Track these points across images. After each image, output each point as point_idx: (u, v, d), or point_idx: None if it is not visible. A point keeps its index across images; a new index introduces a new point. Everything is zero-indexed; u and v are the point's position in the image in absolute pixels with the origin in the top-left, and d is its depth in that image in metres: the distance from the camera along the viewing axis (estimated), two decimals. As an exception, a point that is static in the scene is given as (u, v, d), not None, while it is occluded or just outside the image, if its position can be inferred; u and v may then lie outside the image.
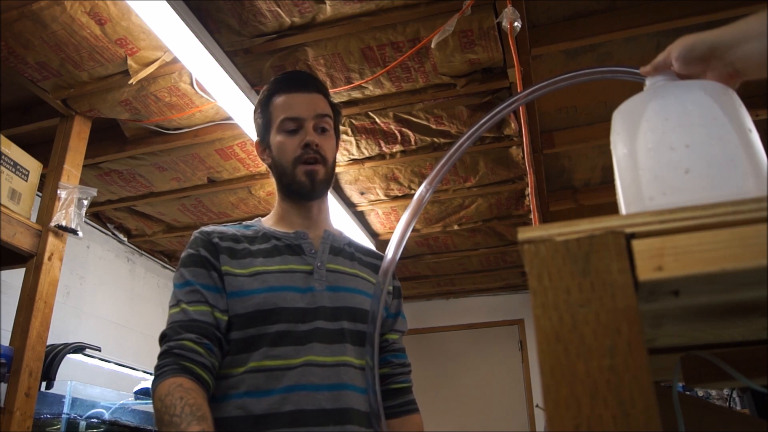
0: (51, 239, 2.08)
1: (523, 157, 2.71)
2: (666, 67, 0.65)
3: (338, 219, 3.12)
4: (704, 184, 0.52)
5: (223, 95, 2.13)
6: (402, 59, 2.07)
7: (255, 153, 2.66)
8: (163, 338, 1.02)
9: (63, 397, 2.24)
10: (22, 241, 2.00)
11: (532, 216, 3.02)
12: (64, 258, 2.14)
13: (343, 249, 1.20)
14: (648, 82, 0.66)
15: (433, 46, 1.96)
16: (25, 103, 2.38)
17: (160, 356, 1.00)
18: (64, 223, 2.09)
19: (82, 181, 2.38)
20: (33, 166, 2.07)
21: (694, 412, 0.70)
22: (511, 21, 1.72)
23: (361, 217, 3.39)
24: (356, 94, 2.32)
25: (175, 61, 2.03)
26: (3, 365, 1.84)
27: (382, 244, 3.52)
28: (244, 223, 1.21)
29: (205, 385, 0.98)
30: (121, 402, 2.45)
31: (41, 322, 1.98)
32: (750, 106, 0.63)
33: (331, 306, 1.08)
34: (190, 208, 3.22)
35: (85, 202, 2.18)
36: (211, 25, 1.95)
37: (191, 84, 2.18)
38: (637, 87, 0.68)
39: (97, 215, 3.28)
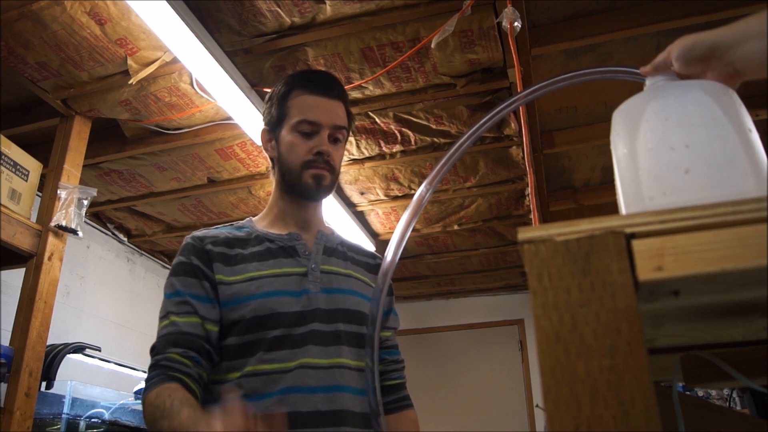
0: (51, 239, 2.08)
1: (523, 157, 2.71)
2: (666, 67, 0.65)
3: (338, 219, 3.12)
4: (704, 184, 0.52)
5: (223, 95, 2.13)
6: (402, 59, 2.07)
7: (255, 153, 2.66)
8: (153, 351, 1.03)
9: (63, 397, 2.24)
10: (22, 241, 2.00)
11: (532, 216, 3.02)
12: (64, 258, 2.14)
13: (336, 249, 1.19)
14: (648, 82, 0.66)
15: (433, 46, 1.96)
16: (25, 103, 2.38)
17: (149, 369, 1.02)
18: (64, 223, 2.09)
19: (82, 181, 2.38)
20: (33, 166, 2.07)
21: (694, 412, 0.70)
22: (511, 21, 1.72)
23: (361, 217, 3.39)
24: (356, 94, 2.32)
25: (175, 61, 2.03)
26: (3, 365, 1.84)
27: (382, 244, 3.52)
28: (235, 224, 1.20)
29: (193, 392, 0.99)
30: (121, 402, 2.45)
31: (41, 322, 1.98)
32: (750, 106, 0.63)
33: (326, 308, 1.08)
34: (190, 208, 3.22)
35: (85, 202, 2.18)
36: (211, 25, 1.95)
37: (191, 84, 2.18)
38: (637, 87, 0.68)
39: (97, 215, 3.28)
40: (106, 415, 2.33)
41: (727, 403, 1.87)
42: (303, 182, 1.14)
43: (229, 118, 2.35)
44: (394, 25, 1.99)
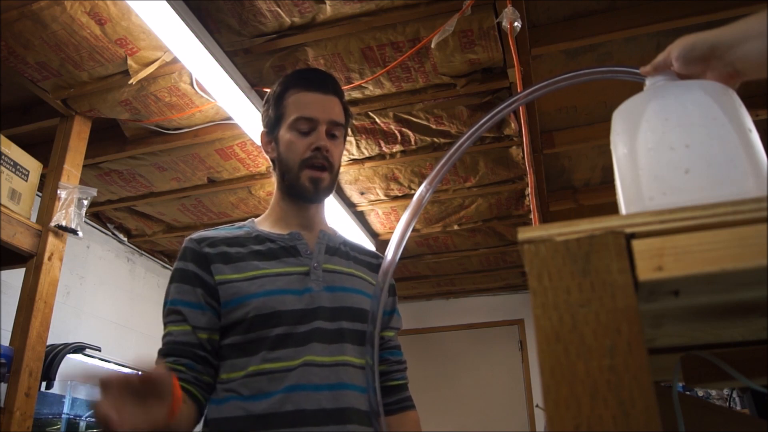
0: (51, 239, 2.08)
1: (523, 157, 2.71)
2: (666, 67, 0.65)
3: (338, 219, 3.12)
4: (704, 184, 0.52)
5: (223, 95, 2.13)
6: (402, 59, 2.07)
7: (255, 153, 2.66)
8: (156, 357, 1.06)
9: (63, 397, 2.24)
10: (22, 241, 2.00)
11: (532, 216, 3.02)
12: (64, 258, 2.14)
13: (339, 248, 1.19)
14: (648, 82, 0.66)
15: (433, 46, 1.96)
16: (25, 103, 2.38)
17: None
18: (64, 223, 2.09)
19: (82, 181, 2.38)
20: (33, 166, 2.07)
21: (694, 412, 0.70)
22: (511, 21, 1.72)
23: (361, 217, 3.39)
24: (356, 94, 2.32)
25: (175, 61, 2.03)
26: (3, 365, 1.84)
27: (382, 244, 3.52)
28: (236, 224, 1.20)
29: (185, 390, 1.00)
30: (121, 402, 2.44)
31: (41, 322, 1.98)
32: (750, 106, 0.63)
33: (329, 306, 1.08)
34: (190, 208, 3.22)
35: (85, 202, 2.18)
36: (211, 25, 1.95)
37: (191, 84, 2.18)
38: (637, 87, 0.68)
39: (97, 215, 3.28)
40: (106, 415, 2.33)
41: (727, 403, 1.87)
42: (301, 184, 1.14)
43: (229, 118, 2.35)
44: (394, 25, 1.99)
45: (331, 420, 0.99)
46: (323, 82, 1.18)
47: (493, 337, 4.72)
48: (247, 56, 2.11)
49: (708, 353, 0.66)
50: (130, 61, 2.04)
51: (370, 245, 3.44)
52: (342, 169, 2.84)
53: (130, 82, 2.08)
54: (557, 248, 0.42)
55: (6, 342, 1.95)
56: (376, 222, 3.47)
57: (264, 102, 1.24)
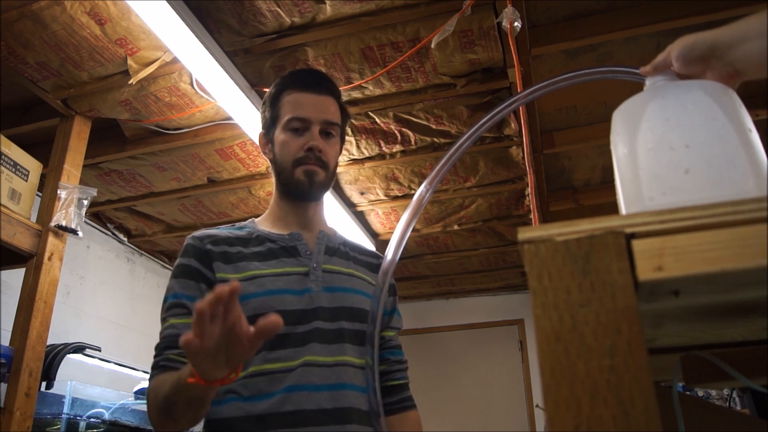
0: (51, 239, 2.08)
1: (523, 157, 2.71)
2: (666, 67, 0.65)
3: (338, 219, 3.12)
4: (704, 184, 0.52)
5: (223, 95, 2.13)
6: (402, 59, 2.07)
7: (255, 153, 2.67)
8: (154, 351, 1.05)
9: (63, 397, 2.24)
10: (22, 241, 2.00)
11: (532, 216, 3.02)
12: (64, 258, 2.14)
13: (338, 249, 1.19)
14: (648, 82, 0.66)
15: (433, 46, 1.96)
16: (25, 103, 2.38)
17: (151, 369, 1.04)
18: (64, 223, 2.09)
19: (82, 181, 2.38)
20: (33, 166, 2.07)
21: (694, 412, 0.70)
22: (511, 21, 1.72)
23: (361, 217, 3.39)
24: (356, 94, 2.32)
25: (175, 61, 2.03)
26: (3, 365, 1.84)
27: (382, 244, 3.52)
28: (237, 224, 1.20)
29: None
30: (121, 402, 2.45)
31: (41, 322, 1.98)
32: (750, 106, 0.63)
33: (329, 306, 1.08)
34: (190, 208, 3.22)
35: (85, 202, 2.18)
36: (211, 25, 1.95)
37: (191, 84, 2.18)
38: (637, 87, 0.68)
39: (97, 215, 3.28)
40: (106, 415, 2.33)
41: (727, 403, 1.87)
42: (295, 179, 1.14)
43: (229, 118, 2.35)
44: (394, 25, 1.99)
45: (332, 420, 0.99)
46: (317, 83, 1.19)
47: (493, 337, 4.72)
48: (247, 56, 2.11)
49: (708, 353, 0.66)
50: (130, 61, 2.04)
51: (370, 245, 3.44)
52: (342, 169, 2.85)
53: (130, 82, 2.08)
54: (557, 248, 0.42)
55: (6, 342, 1.94)
56: (376, 222, 3.47)
57: (262, 104, 1.24)
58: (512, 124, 2.53)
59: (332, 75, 2.18)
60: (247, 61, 2.13)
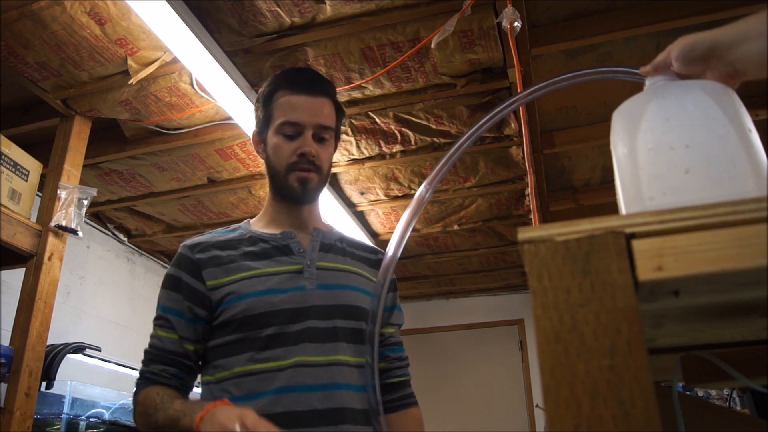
0: (51, 239, 2.08)
1: (523, 157, 2.71)
2: (666, 67, 0.65)
3: (338, 219, 3.12)
4: (704, 184, 0.52)
5: (223, 95, 2.13)
6: (402, 59, 2.07)
7: (255, 153, 2.66)
8: (142, 359, 1.09)
9: (63, 397, 2.24)
10: (22, 241, 2.00)
11: (532, 216, 3.02)
12: (64, 258, 2.14)
13: (334, 245, 1.18)
14: (648, 82, 0.66)
15: (433, 46, 1.96)
16: (25, 103, 2.38)
17: (137, 380, 1.09)
18: (64, 223, 2.09)
19: (82, 181, 2.38)
20: (33, 166, 2.07)
21: (694, 412, 0.70)
22: (511, 21, 1.72)
23: (361, 217, 3.39)
24: (356, 94, 2.32)
25: (175, 61, 2.03)
26: (3, 365, 1.84)
27: (382, 244, 3.51)
28: (230, 226, 1.20)
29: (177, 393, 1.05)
30: (121, 402, 2.45)
31: (41, 322, 1.98)
32: (750, 106, 0.63)
33: (323, 304, 1.07)
34: (190, 208, 3.22)
35: (85, 202, 2.18)
36: (211, 25, 1.95)
37: (191, 84, 2.18)
38: (637, 87, 0.68)
39: (97, 215, 3.28)
40: (106, 415, 2.33)
41: (727, 403, 1.87)
42: (289, 185, 1.13)
43: (229, 118, 2.36)
44: (394, 25, 1.99)
45: (324, 421, 0.99)
46: (311, 84, 1.16)
47: (493, 337, 4.72)
48: (247, 56, 2.11)
49: (708, 353, 0.66)
50: (130, 61, 2.04)
51: (365, 240, 3.44)
52: (342, 169, 2.85)
53: (130, 82, 2.08)
54: (557, 248, 0.42)
55: (6, 342, 1.94)
56: (376, 222, 3.47)
57: (255, 101, 1.23)
58: (512, 124, 2.53)
59: (332, 75, 2.18)
60: (247, 61, 2.13)
